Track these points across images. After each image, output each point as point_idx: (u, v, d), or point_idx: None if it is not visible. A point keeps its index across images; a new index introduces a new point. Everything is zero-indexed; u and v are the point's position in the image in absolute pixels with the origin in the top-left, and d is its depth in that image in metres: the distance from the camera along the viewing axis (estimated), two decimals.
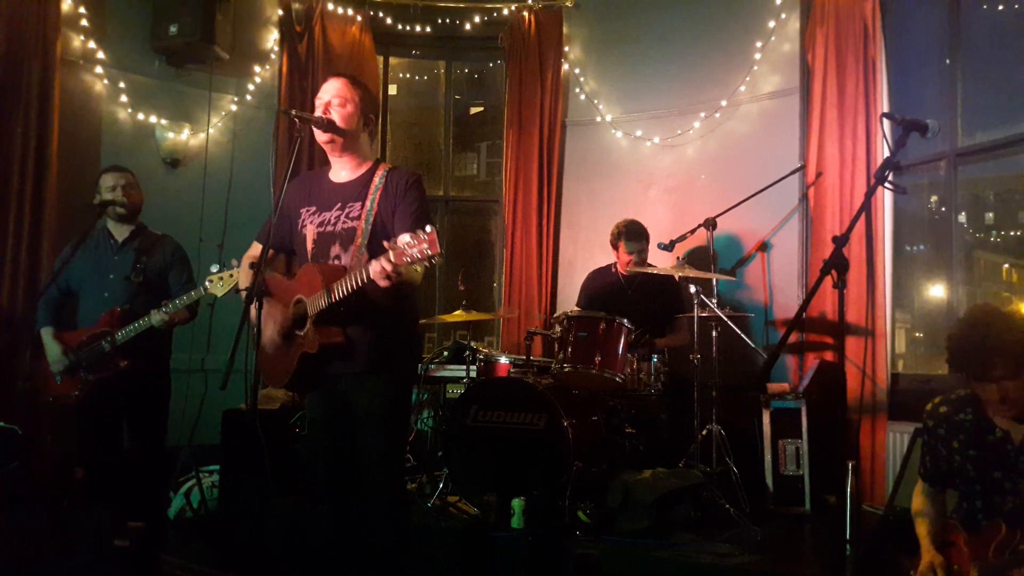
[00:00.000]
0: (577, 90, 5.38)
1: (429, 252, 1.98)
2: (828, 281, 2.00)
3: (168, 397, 3.44)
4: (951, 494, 2.41)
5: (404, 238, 2.01)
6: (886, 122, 2.25)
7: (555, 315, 4.33)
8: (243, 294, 2.45)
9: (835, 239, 2.04)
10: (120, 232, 3.42)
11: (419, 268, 2.06)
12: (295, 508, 3.36)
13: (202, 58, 4.84)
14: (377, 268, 2.05)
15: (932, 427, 2.35)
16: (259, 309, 2.28)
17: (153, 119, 4.81)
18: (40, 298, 3.41)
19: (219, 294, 3.04)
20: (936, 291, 4.15)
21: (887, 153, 2.15)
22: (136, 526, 3.15)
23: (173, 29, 4.65)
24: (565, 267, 5.31)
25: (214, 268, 3.04)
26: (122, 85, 4.71)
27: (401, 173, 2.42)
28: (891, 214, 4.14)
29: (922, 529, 2.39)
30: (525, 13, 5.37)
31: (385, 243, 2.07)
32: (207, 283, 3.05)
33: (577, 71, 5.39)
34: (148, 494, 3.41)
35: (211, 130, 4.99)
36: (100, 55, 4.62)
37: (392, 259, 2.03)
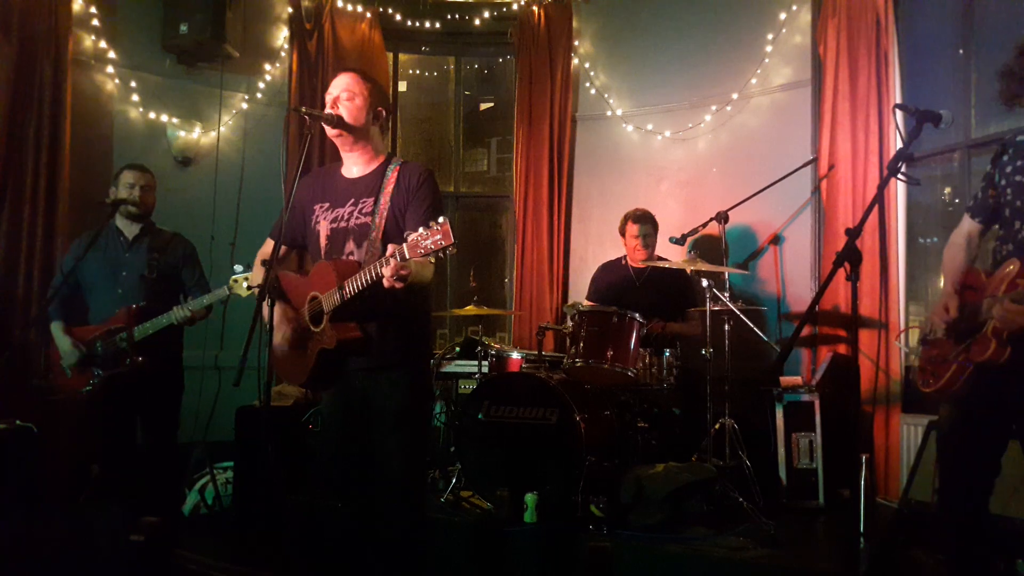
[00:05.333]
0: (587, 85, 5.36)
1: (443, 243, 1.97)
2: (841, 274, 1.99)
3: (180, 393, 3.46)
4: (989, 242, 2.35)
5: (418, 231, 2.00)
6: (899, 113, 2.23)
7: (569, 305, 4.33)
8: (255, 292, 2.46)
9: (848, 231, 2.03)
10: (130, 230, 3.44)
11: (432, 260, 2.05)
12: (309, 504, 3.38)
13: (213, 56, 4.86)
14: (389, 271, 2.04)
15: (999, 153, 2.29)
16: (271, 306, 2.29)
17: (164, 118, 4.84)
18: (53, 297, 3.44)
19: (243, 295, 3.05)
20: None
21: (900, 145, 2.13)
22: (151, 521, 3.17)
23: (183, 28, 4.67)
24: (576, 262, 5.30)
25: (238, 268, 3.06)
26: (133, 84, 4.74)
27: (413, 168, 2.42)
28: (904, 206, 4.11)
29: (948, 272, 2.35)
30: (535, 8, 5.35)
31: (391, 246, 2.05)
32: (232, 283, 3.07)
33: (587, 65, 5.37)
34: (163, 490, 3.44)
35: (222, 128, 5.02)
36: (111, 54, 4.65)
37: (406, 254, 2.02)
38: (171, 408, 3.42)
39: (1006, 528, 2.86)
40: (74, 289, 3.42)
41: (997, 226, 2.27)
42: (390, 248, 2.06)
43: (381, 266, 2.08)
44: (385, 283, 2.07)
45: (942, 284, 2.38)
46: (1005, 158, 2.26)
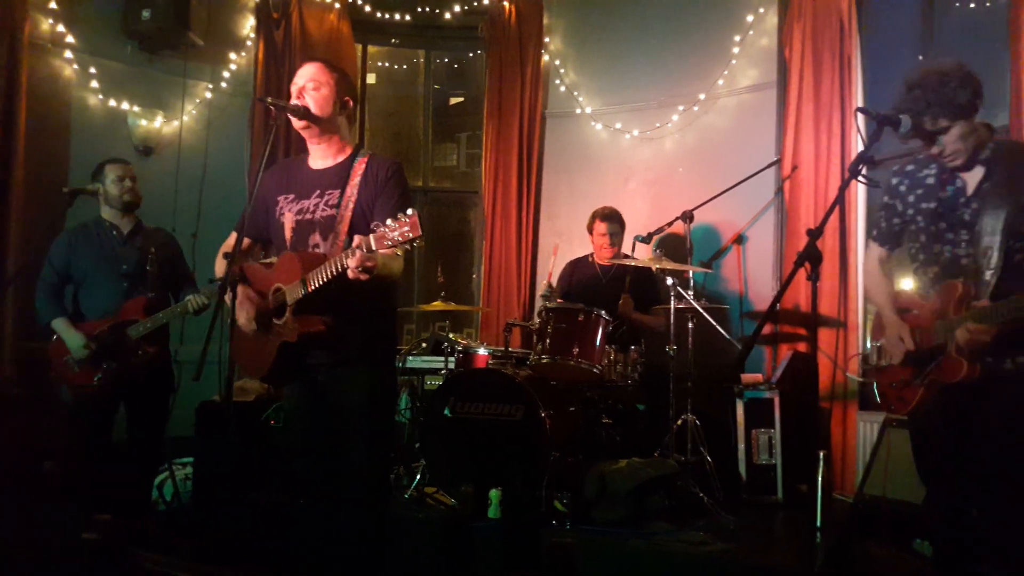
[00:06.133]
0: (557, 82, 5.37)
1: (411, 235, 1.95)
2: (802, 273, 2.02)
3: (172, 385, 3.44)
4: (903, 265, 2.45)
5: (386, 222, 1.98)
6: (860, 117, 2.28)
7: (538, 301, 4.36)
8: (217, 284, 2.41)
9: (809, 232, 2.06)
10: (124, 224, 3.45)
11: (399, 252, 2.03)
12: (269, 501, 3.34)
13: (176, 44, 4.75)
14: (354, 262, 2.02)
15: (895, 184, 2.40)
16: (233, 299, 2.25)
17: (125, 105, 4.72)
18: (40, 293, 3.35)
19: None
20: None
21: (861, 148, 2.18)
22: (104, 519, 3.09)
23: (146, 14, 4.56)
24: (544, 259, 5.31)
25: None
26: (93, 70, 4.61)
27: (382, 161, 2.40)
28: (864, 208, 4.20)
29: (880, 299, 2.44)
30: (506, 3, 5.34)
31: (358, 237, 2.03)
32: None
33: (557, 62, 5.38)
34: (141, 486, 3.40)
35: (185, 117, 4.91)
36: (70, 39, 4.51)
37: (372, 245, 1.99)
38: (163, 402, 3.41)
39: (903, 511, 3.01)
40: (63, 282, 3.38)
41: (913, 248, 2.38)
42: (356, 239, 2.03)
43: (346, 257, 2.06)
44: (350, 274, 2.05)
45: (877, 311, 2.46)
46: (903, 188, 2.38)
